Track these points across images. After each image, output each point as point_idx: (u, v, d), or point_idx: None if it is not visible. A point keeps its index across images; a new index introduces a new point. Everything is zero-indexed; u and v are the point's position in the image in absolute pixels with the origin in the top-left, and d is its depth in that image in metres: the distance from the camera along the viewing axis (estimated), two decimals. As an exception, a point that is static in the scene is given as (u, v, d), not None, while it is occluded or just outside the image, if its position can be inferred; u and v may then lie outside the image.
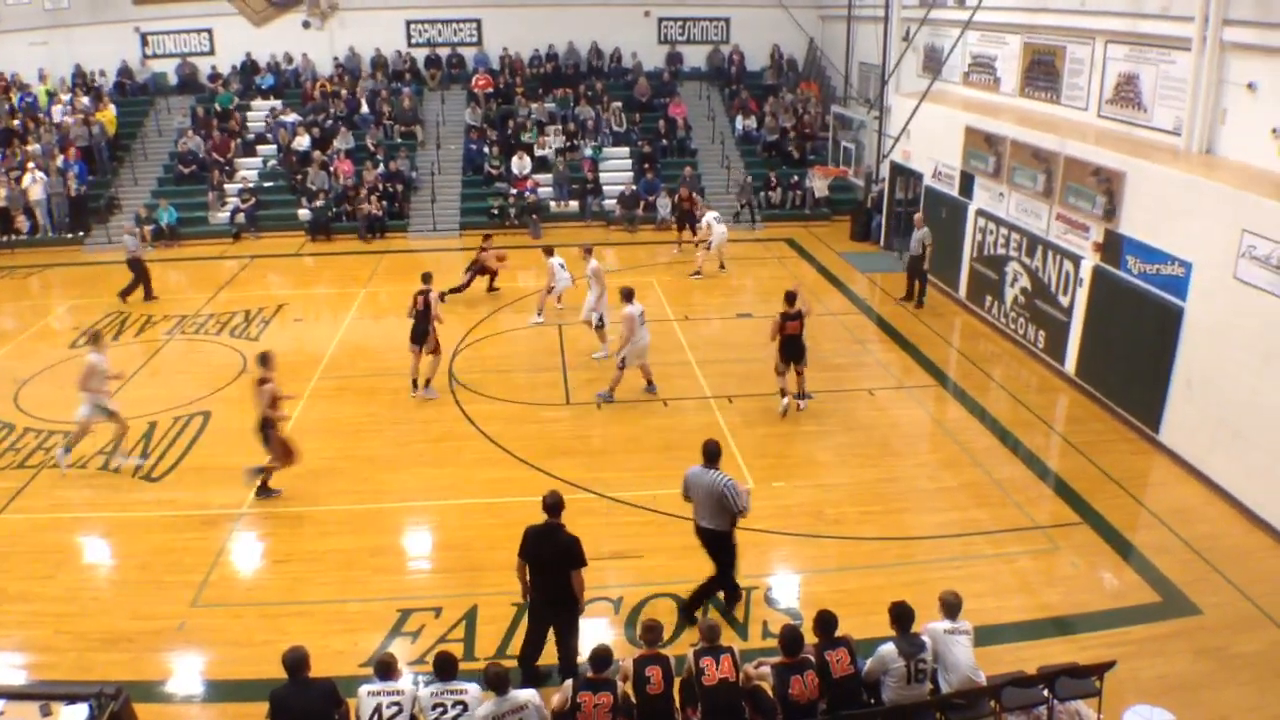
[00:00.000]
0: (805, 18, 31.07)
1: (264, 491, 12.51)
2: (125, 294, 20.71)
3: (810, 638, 7.95)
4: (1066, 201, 15.62)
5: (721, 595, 10.18)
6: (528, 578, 8.75)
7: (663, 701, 7.51)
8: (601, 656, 7.54)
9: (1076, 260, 15.39)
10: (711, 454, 9.64)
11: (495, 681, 7.28)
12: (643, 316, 14.74)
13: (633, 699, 7.61)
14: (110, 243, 25.07)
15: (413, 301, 15.18)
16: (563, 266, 18.80)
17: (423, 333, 15.11)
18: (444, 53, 31.21)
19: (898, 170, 23.46)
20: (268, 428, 12.22)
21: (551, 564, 8.56)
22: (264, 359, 12.53)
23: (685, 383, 15.99)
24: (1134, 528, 11.75)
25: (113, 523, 12.04)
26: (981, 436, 14.17)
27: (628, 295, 14.86)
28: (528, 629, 8.95)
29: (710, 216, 22.08)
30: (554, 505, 8.67)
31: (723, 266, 22.23)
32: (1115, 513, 12.00)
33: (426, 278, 15.41)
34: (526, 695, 7.36)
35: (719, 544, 9.78)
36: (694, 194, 25.34)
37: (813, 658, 7.69)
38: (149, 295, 20.88)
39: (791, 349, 14.46)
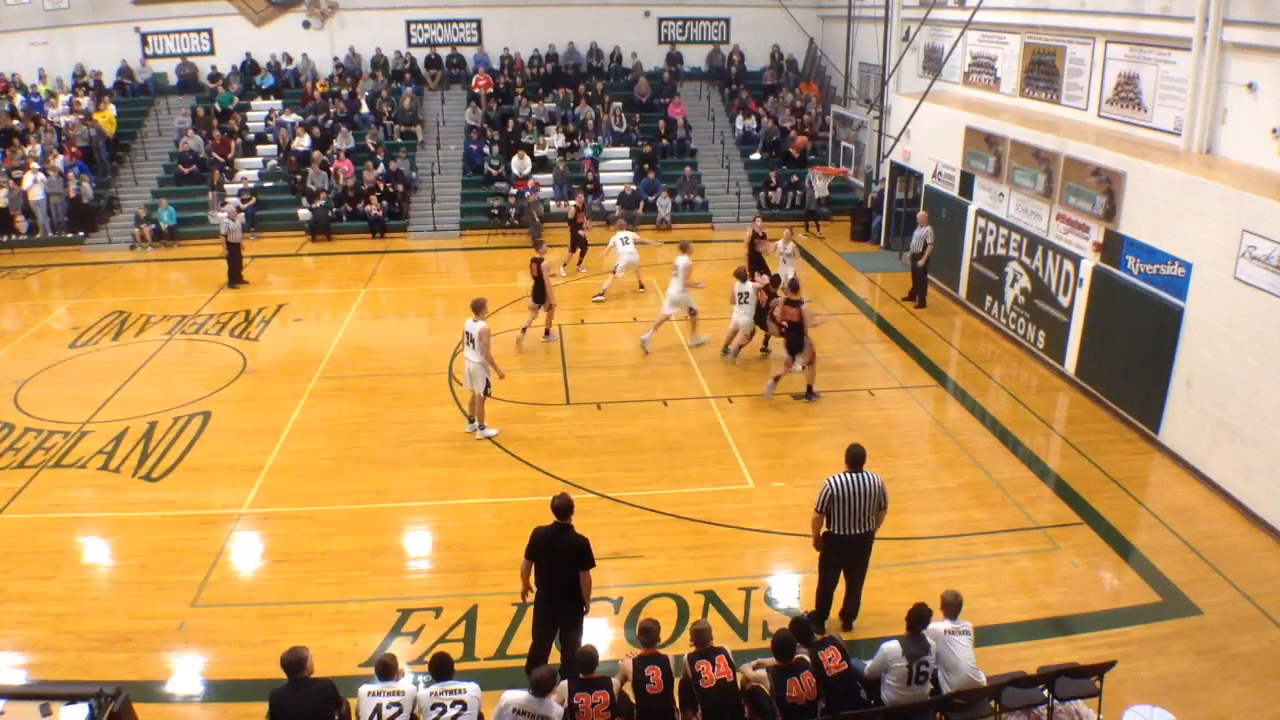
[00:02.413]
0: (805, 18, 31.09)
1: (810, 394, 15.36)
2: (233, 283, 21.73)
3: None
4: (1066, 201, 15.61)
5: (839, 611, 9.90)
6: (533, 579, 8.74)
7: (663, 701, 7.50)
8: (588, 657, 7.56)
9: (1076, 260, 15.38)
10: (861, 457, 9.30)
11: (539, 685, 7.25)
12: (740, 296, 16.31)
13: (632, 699, 7.61)
14: (110, 243, 25.11)
15: (530, 268, 17.43)
16: (624, 241, 20.31)
17: (540, 293, 17.28)
18: (444, 53, 31.23)
19: (898, 170, 23.44)
20: (803, 334, 14.76)
21: (561, 565, 8.55)
22: (794, 286, 15.35)
23: (685, 383, 15.99)
24: (1134, 528, 11.75)
25: (113, 523, 12.05)
26: (981, 436, 14.17)
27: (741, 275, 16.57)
28: (536, 633, 8.91)
29: (617, 238, 20.67)
30: (564, 508, 8.62)
31: (641, 286, 21.30)
32: (1115, 513, 12.00)
33: (538, 246, 18.55)
34: (558, 710, 7.32)
35: (869, 546, 9.53)
36: (584, 208, 23.29)
37: (808, 658, 7.69)
38: (237, 280, 21.77)
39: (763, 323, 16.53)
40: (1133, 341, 14.04)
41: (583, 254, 22.57)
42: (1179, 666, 9.19)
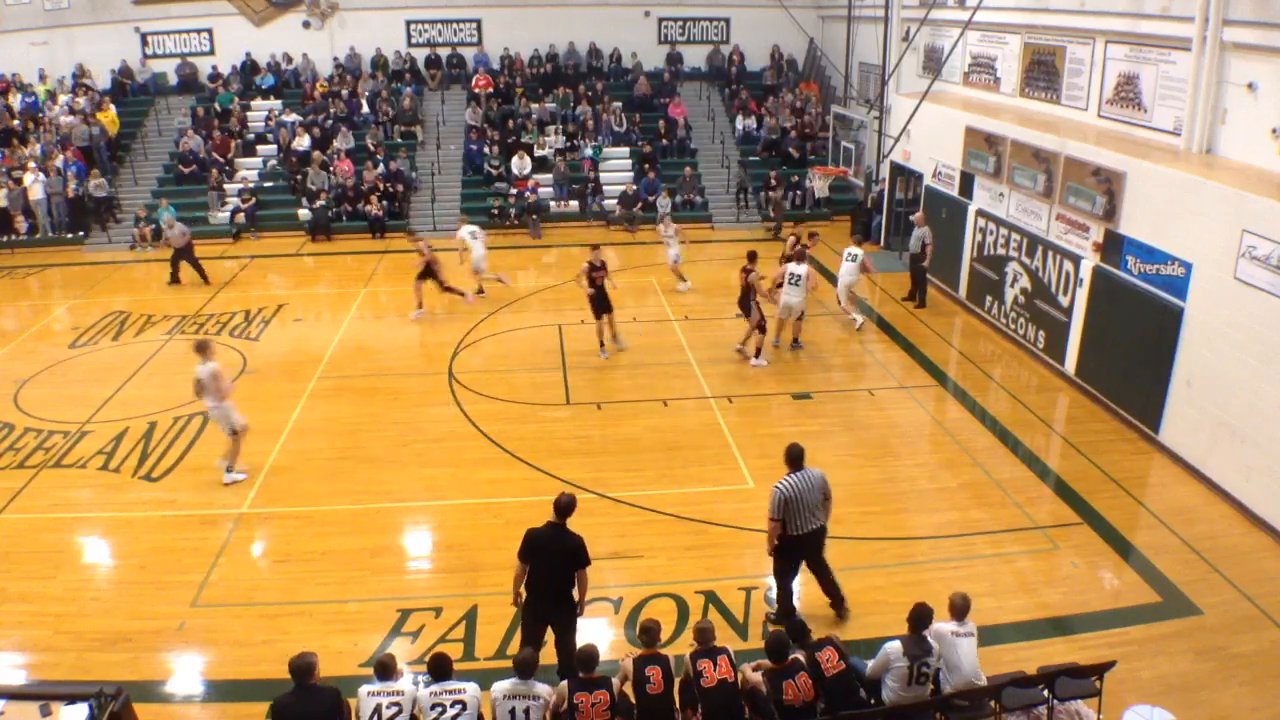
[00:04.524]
0: (805, 18, 31.08)
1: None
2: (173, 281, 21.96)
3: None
4: (1066, 201, 15.61)
5: (830, 605, 10.02)
6: (525, 580, 8.68)
7: (663, 701, 7.50)
8: (588, 656, 7.57)
9: (1076, 260, 15.38)
10: (800, 455, 9.51)
11: (524, 668, 7.41)
12: (793, 277, 16.45)
13: (631, 699, 7.61)
14: (110, 243, 25.12)
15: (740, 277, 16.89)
16: (473, 236, 20.21)
17: (747, 306, 16.76)
18: (444, 53, 31.23)
19: (898, 170, 23.44)
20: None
21: (557, 566, 8.53)
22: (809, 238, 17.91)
23: (685, 383, 15.99)
24: (1134, 528, 11.75)
25: (113, 523, 12.05)
26: (981, 436, 14.17)
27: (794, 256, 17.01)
28: (525, 629, 8.86)
29: (465, 232, 20.46)
30: (566, 507, 8.59)
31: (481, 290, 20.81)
32: (1115, 513, 12.00)
33: (752, 256, 17.01)
34: (544, 689, 7.44)
35: (823, 540, 9.70)
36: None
37: (803, 658, 7.68)
38: (174, 280, 21.96)
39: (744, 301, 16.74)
40: (1133, 341, 14.04)
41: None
42: (1179, 666, 9.19)
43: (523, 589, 8.71)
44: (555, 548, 8.51)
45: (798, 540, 9.47)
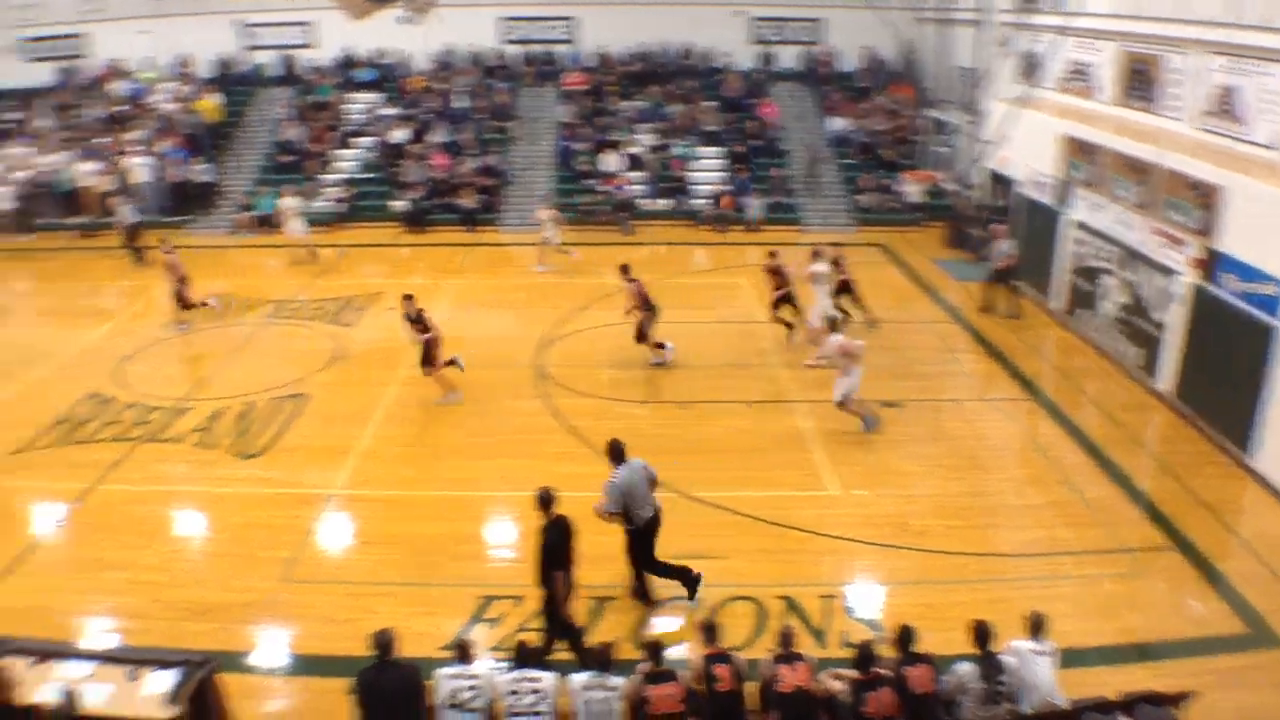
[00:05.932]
0: (899, 20, 30.69)
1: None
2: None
3: (890, 650, 7.96)
4: (1163, 214, 15.24)
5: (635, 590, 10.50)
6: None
7: (732, 699, 7.58)
8: (655, 647, 7.74)
9: (1173, 275, 15.01)
10: (622, 449, 10.05)
11: (602, 660, 7.65)
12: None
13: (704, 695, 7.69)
14: (212, 227, 25.90)
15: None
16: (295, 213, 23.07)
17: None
18: (537, 50, 31.61)
19: (992, 177, 23.06)
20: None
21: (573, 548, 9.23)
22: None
23: (769, 385, 15.97)
24: (1222, 555, 11.43)
25: (209, 497, 12.51)
26: (1070, 453, 13.88)
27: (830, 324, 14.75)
28: (574, 623, 9.37)
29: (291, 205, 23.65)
30: (551, 499, 9.25)
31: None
32: (1204, 538, 11.68)
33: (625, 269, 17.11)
34: (618, 680, 7.60)
35: (659, 526, 10.21)
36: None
37: (890, 673, 7.65)
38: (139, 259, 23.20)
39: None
40: (1228, 361, 13.65)
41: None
42: (1260, 698, 8.96)
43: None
44: (569, 533, 9.22)
45: (644, 529, 10.02)
